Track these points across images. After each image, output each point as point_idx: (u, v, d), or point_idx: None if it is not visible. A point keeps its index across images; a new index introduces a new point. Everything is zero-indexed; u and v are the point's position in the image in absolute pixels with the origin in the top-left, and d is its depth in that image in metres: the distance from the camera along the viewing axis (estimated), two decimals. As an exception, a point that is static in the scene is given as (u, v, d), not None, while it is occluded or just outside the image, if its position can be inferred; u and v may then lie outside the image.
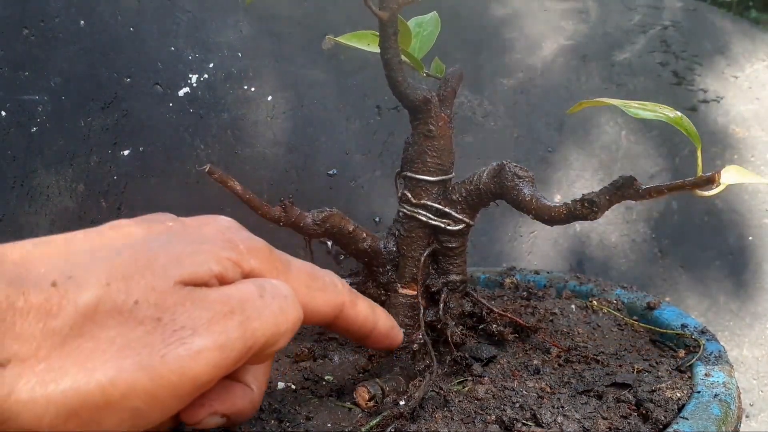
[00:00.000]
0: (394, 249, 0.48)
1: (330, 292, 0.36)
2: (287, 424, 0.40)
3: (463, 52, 1.02)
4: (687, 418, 0.37)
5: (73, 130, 0.74)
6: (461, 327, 0.48)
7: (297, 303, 0.32)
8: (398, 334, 0.42)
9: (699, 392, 0.40)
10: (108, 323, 0.26)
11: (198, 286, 0.29)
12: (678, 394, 0.40)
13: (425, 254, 0.47)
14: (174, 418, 0.31)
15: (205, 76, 0.82)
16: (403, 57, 0.43)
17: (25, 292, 0.25)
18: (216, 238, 0.32)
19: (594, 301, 0.57)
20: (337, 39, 0.48)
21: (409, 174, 0.47)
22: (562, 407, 0.40)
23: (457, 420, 0.39)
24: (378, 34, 0.42)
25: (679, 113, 0.40)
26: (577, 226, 1.02)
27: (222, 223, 0.33)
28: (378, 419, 0.38)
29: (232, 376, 0.33)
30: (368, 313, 0.39)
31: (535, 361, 0.47)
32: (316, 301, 0.35)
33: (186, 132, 0.80)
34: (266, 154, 0.84)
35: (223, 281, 0.30)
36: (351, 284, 0.51)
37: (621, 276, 1.01)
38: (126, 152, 0.76)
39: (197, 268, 0.29)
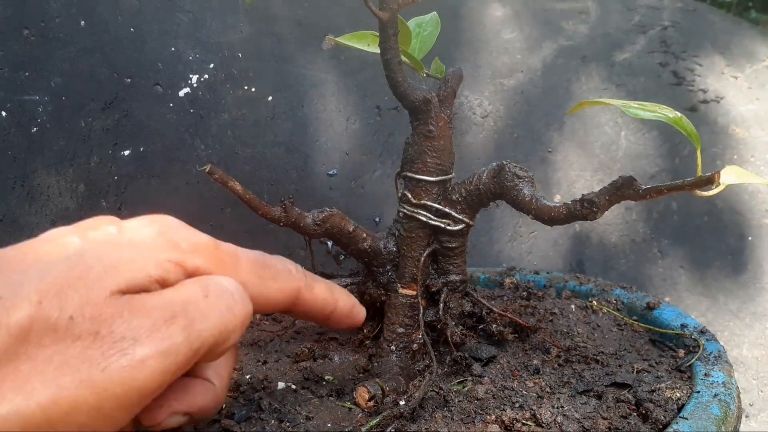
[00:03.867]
0: (394, 249, 0.48)
1: (283, 279, 0.35)
2: (287, 424, 0.40)
3: (463, 52, 1.02)
4: (687, 418, 0.37)
5: (73, 130, 0.74)
6: (461, 327, 0.48)
7: (245, 297, 0.31)
8: (360, 312, 0.41)
9: (699, 392, 0.40)
10: (44, 342, 0.26)
11: (138, 292, 0.28)
12: (678, 394, 0.40)
13: (425, 254, 0.47)
14: (133, 423, 0.30)
15: (206, 76, 0.82)
16: (403, 57, 0.43)
17: None
18: (156, 240, 0.31)
19: (594, 301, 0.57)
20: (337, 39, 0.48)
21: (409, 174, 0.47)
22: (562, 407, 0.40)
23: (457, 420, 0.39)
24: (378, 34, 0.42)
25: (679, 113, 0.40)
26: (577, 226, 1.02)
27: (164, 223, 0.32)
28: (378, 419, 0.38)
29: (191, 373, 0.32)
30: (327, 296, 0.38)
31: (535, 361, 0.47)
32: (269, 290, 0.34)
33: (186, 132, 0.80)
34: (266, 154, 0.84)
35: (164, 284, 0.29)
36: (351, 284, 0.51)
37: (621, 276, 1.01)
38: (126, 153, 0.76)
39: (135, 274, 0.28)
